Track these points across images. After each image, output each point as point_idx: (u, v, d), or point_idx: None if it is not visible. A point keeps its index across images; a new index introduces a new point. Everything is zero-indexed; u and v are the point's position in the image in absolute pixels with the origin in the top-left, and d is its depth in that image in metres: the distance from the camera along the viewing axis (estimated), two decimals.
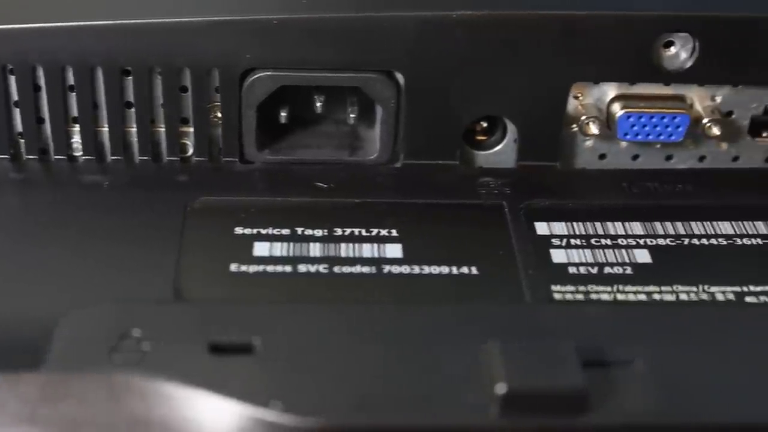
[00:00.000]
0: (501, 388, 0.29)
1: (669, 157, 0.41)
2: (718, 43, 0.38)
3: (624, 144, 0.41)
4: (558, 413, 0.29)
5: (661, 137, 0.40)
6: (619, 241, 0.37)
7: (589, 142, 0.41)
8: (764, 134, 0.41)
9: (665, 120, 0.39)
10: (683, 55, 0.39)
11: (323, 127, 0.41)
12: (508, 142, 0.40)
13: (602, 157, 0.41)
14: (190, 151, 0.40)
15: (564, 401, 0.29)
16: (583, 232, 0.37)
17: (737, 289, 0.35)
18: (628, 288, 0.35)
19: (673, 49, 0.39)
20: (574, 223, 0.37)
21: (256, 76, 0.38)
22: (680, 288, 0.35)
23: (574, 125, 0.40)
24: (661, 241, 0.37)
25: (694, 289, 0.35)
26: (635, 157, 0.41)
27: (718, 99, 0.40)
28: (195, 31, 0.37)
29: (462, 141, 0.40)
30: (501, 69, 0.38)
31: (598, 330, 0.32)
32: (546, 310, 0.34)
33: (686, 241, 0.37)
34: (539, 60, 0.38)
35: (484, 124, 0.40)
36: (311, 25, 0.37)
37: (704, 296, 0.35)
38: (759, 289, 0.35)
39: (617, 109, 0.39)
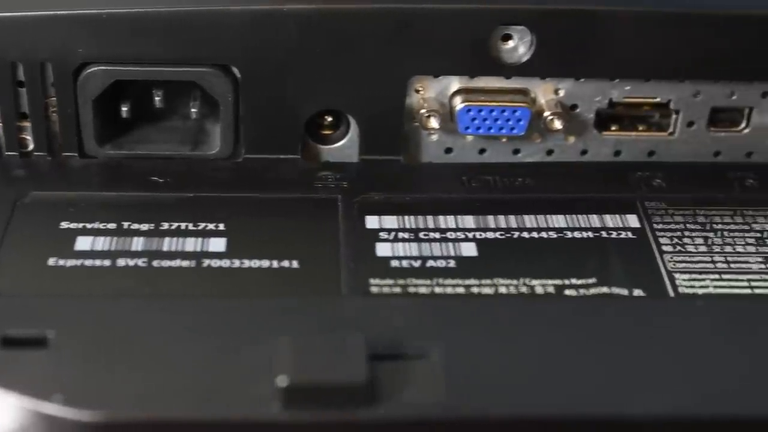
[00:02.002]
0: (282, 381, 0.29)
1: (516, 151, 0.41)
2: (555, 35, 0.38)
3: (469, 138, 0.41)
4: (340, 406, 0.29)
5: (503, 131, 0.40)
6: (448, 234, 0.37)
7: (434, 137, 0.41)
8: (613, 128, 0.41)
9: (506, 113, 0.39)
10: (521, 48, 0.39)
11: (170, 122, 0.41)
12: (352, 136, 0.40)
13: (448, 151, 0.41)
14: (31, 146, 0.40)
15: (346, 394, 0.29)
16: (413, 226, 0.37)
17: (558, 282, 0.35)
18: (448, 281, 0.35)
19: (511, 43, 0.38)
20: (406, 217, 0.37)
21: (90, 70, 0.38)
22: (501, 281, 0.35)
23: (417, 120, 0.40)
24: (490, 235, 0.37)
25: (515, 282, 0.35)
26: (482, 152, 0.41)
27: (561, 92, 0.40)
28: (26, 25, 0.37)
29: (305, 135, 0.40)
30: (337, 63, 0.38)
31: (404, 323, 0.32)
32: (357, 304, 0.34)
33: (516, 234, 0.37)
34: (375, 54, 0.38)
35: (329, 119, 0.40)
36: (142, 19, 0.37)
37: (524, 289, 0.35)
38: (581, 282, 0.35)
39: (457, 103, 0.39)
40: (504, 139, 0.41)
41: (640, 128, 0.41)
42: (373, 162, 0.40)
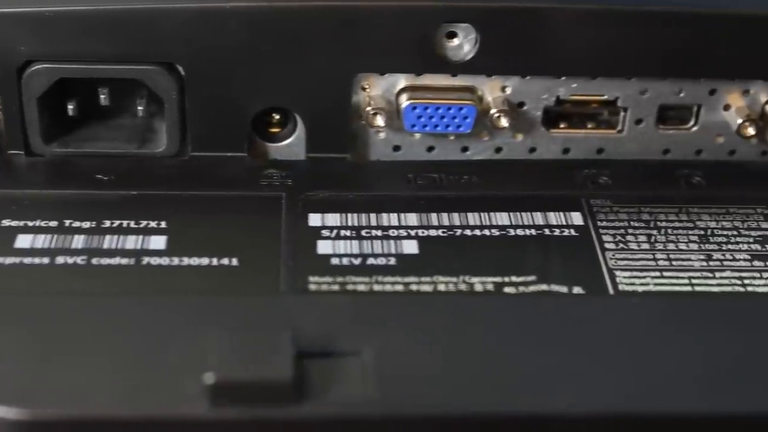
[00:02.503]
0: (209, 378, 0.29)
1: (464, 149, 0.41)
2: (499, 33, 0.38)
3: (417, 136, 0.41)
4: (266, 404, 0.29)
5: (450, 128, 0.40)
6: (390, 232, 0.37)
7: (381, 135, 0.40)
8: (561, 125, 0.41)
9: (452, 111, 0.39)
10: (466, 45, 0.38)
11: (118, 120, 0.41)
12: (299, 134, 0.40)
13: (396, 149, 0.41)
14: None
15: (271, 392, 0.29)
16: (356, 224, 0.37)
17: (498, 279, 0.35)
18: (387, 279, 0.35)
19: (456, 40, 0.38)
20: (350, 215, 0.37)
21: (34, 68, 0.38)
22: (440, 279, 0.35)
23: (363, 118, 0.40)
24: (432, 233, 0.37)
25: (454, 279, 0.35)
26: (430, 149, 0.41)
27: (508, 90, 0.40)
28: None
29: (252, 133, 0.40)
30: (282, 61, 0.38)
31: (339, 321, 0.32)
32: (294, 301, 0.34)
33: (458, 232, 0.37)
34: (320, 51, 0.38)
35: (277, 117, 0.40)
36: (86, 16, 0.37)
37: (463, 287, 0.35)
38: (520, 279, 0.35)
39: (403, 101, 0.39)
40: (452, 137, 0.41)
41: (589, 126, 0.41)
42: (320, 160, 0.40)
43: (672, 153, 0.42)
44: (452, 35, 0.38)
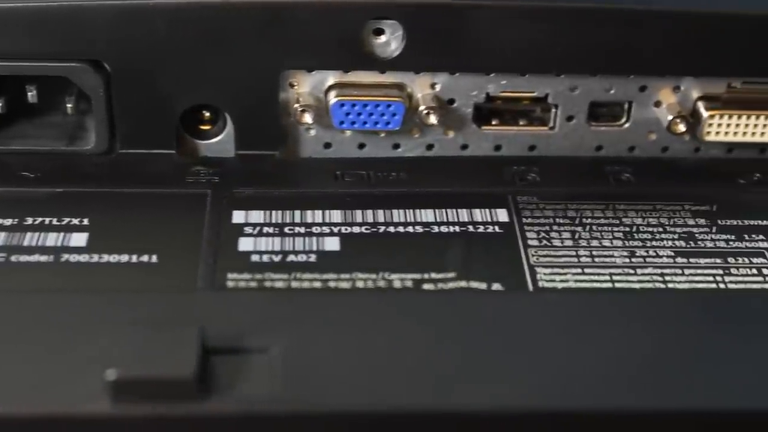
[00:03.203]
0: (111, 375, 0.29)
1: (396, 146, 0.41)
2: (426, 30, 0.38)
3: (348, 133, 0.40)
4: (168, 400, 0.29)
5: (378, 125, 0.40)
6: (314, 229, 0.37)
7: (312, 132, 0.40)
8: (493, 122, 0.41)
9: (380, 108, 0.39)
10: (393, 42, 0.38)
11: (48, 117, 0.41)
12: (229, 131, 0.40)
13: (327, 146, 0.41)
14: None
15: (174, 388, 0.29)
16: (279, 221, 0.37)
17: (417, 276, 0.35)
18: (306, 276, 0.35)
19: (383, 37, 0.38)
20: (274, 212, 0.37)
21: None
22: (359, 275, 0.35)
23: (292, 115, 0.40)
24: (356, 229, 0.37)
25: (374, 276, 0.35)
26: (361, 146, 0.41)
27: (438, 87, 0.40)
28: None
29: (182, 130, 0.40)
30: (207, 57, 0.38)
31: (252, 317, 0.32)
32: (209, 298, 0.33)
33: (382, 229, 0.37)
34: (245, 48, 0.38)
35: (207, 114, 0.40)
36: (11, 13, 0.37)
37: (381, 283, 0.34)
38: (440, 276, 0.35)
39: (331, 98, 0.39)
40: (382, 134, 0.41)
41: (521, 123, 0.41)
42: (249, 157, 0.40)
43: (605, 150, 0.42)
44: (379, 32, 0.38)
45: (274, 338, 0.31)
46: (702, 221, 0.38)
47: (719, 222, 0.38)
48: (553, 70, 0.39)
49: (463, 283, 0.34)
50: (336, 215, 0.37)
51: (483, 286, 0.34)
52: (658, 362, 0.32)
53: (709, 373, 0.31)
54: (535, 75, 0.40)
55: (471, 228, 0.37)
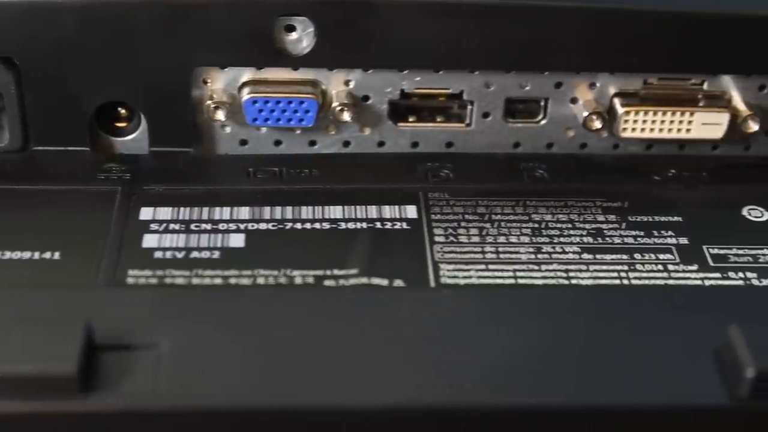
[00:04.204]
0: None
1: (312, 143, 0.41)
2: (337, 26, 0.38)
3: (264, 130, 0.40)
4: (50, 397, 0.29)
5: (292, 122, 0.39)
6: (220, 226, 0.37)
7: (228, 129, 0.40)
8: (411, 119, 0.41)
9: (293, 105, 0.39)
10: (305, 39, 0.38)
11: None
12: (144, 128, 0.40)
13: (243, 143, 0.41)
14: None
15: (56, 384, 0.29)
16: (187, 218, 0.37)
17: (320, 273, 0.35)
18: (208, 272, 0.35)
19: (294, 34, 0.38)
20: (182, 209, 0.37)
21: None
22: (261, 272, 0.35)
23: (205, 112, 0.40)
24: (263, 226, 0.37)
25: (275, 273, 0.35)
26: (277, 143, 0.41)
27: (352, 84, 0.40)
28: None
29: (96, 127, 0.40)
30: (117, 54, 0.38)
31: (145, 313, 0.32)
32: (106, 294, 0.33)
33: (289, 225, 0.37)
34: (155, 45, 0.38)
35: (123, 111, 0.40)
36: None
37: (283, 280, 0.34)
38: (342, 273, 0.35)
39: (244, 95, 0.39)
40: (298, 131, 0.40)
41: (438, 120, 0.41)
42: (163, 154, 0.40)
43: (522, 147, 0.42)
44: (291, 29, 0.38)
45: (166, 334, 0.31)
46: (612, 217, 0.38)
47: (629, 218, 0.38)
48: (467, 66, 0.39)
49: (364, 280, 0.34)
50: (244, 212, 0.37)
51: (384, 282, 0.34)
52: (552, 358, 0.32)
53: (604, 369, 0.31)
54: (449, 71, 0.40)
55: (379, 224, 0.37)
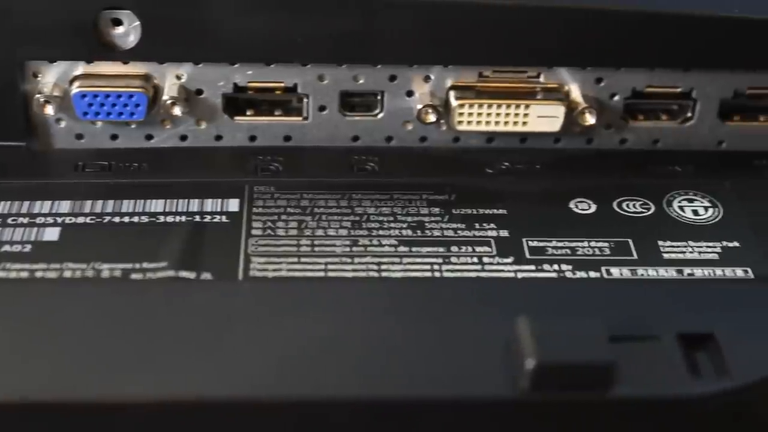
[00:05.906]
0: None
1: (149, 137, 0.41)
2: (161, 19, 0.38)
3: (99, 124, 0.40)
4: None
5: (123, 116, 0.39)
6: (37, 219, 0.37)
7: (63, 123, 0.40)
8: (248, 113, 0.41)
9: (122, 99, 0.39)
10: (132, 33, 0.38)
11: None
12: None
13: (79, 137, 0.41)
14: None
15: None
16: (6, 212, 0.37)
17: (128, 266, 0.35)
18: (15, 266, 0.35)
19: (121, 28, 0.38)
20: (1, 203, 0.37)
21: None
22: (70, 265, 0.35)
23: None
24: (80, 219, 0.37)
25: (83, 266, 0.35)
26: (114, 137, 0.41)
27: (184, 77, 0.40)
28: None
29: None
30: None
31: None
32: None
33: (107, 219, 0.37)
34: None
35: None
36: None
37: (90, 273, 0.34)
38: (151, 266, 0.35)
39: (73, 89, 0.39)
40: (134, 125, 0.40)
41: (277, 113, 0.41)
42: None
43: (362, 140, 0.41)
44: (118, 22, 0.38)
45: None
46: (436, 210, 0.38)
47: (453, 211, 0.38)
48: (297, 59, 0.39)
49: (171, 273, 0.34)
50: (64, 206, 0.37)
51: (192, 275, 0.34)
52: (338, 351, 0.32)
53: (390, 361, 0.31)
54: (281, 65, 0.40)
55: (198, 218, 0.37)
